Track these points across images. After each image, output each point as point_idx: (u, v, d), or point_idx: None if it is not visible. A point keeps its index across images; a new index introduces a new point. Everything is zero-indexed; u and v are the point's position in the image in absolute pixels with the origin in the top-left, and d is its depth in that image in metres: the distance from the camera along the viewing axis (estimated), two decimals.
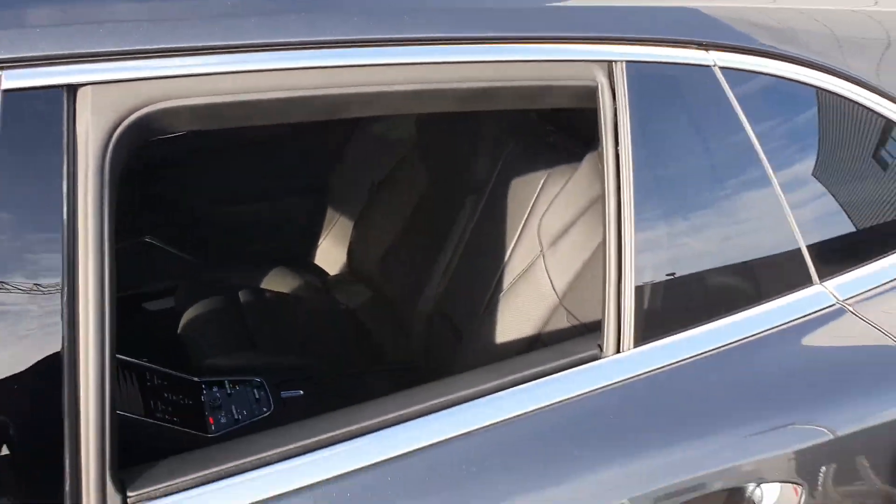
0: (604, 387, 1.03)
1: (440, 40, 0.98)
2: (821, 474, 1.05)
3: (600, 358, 1.05)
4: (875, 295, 1.17)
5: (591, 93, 1.06)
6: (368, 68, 0.96)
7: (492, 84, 1.02)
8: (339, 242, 2.56)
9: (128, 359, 1.60)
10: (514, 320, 1.71)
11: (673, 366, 1.05)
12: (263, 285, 2.39)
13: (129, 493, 0.87)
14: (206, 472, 0.89)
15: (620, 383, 1.03)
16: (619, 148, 1.06)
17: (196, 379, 1.80)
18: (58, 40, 0.85)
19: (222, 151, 2.46)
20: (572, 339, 1.13)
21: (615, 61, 1.06)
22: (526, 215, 1.80)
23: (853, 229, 1.21)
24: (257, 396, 1.79)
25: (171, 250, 2.43)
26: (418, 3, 1.00)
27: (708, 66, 1.12)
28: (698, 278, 1.11)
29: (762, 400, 1.06)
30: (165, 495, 0.88)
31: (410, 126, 2.38)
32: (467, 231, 1.99)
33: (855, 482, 1.09)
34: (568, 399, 1.01)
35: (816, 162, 1.21)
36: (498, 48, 1.01)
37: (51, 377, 0.83)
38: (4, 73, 0.83)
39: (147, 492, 0.87)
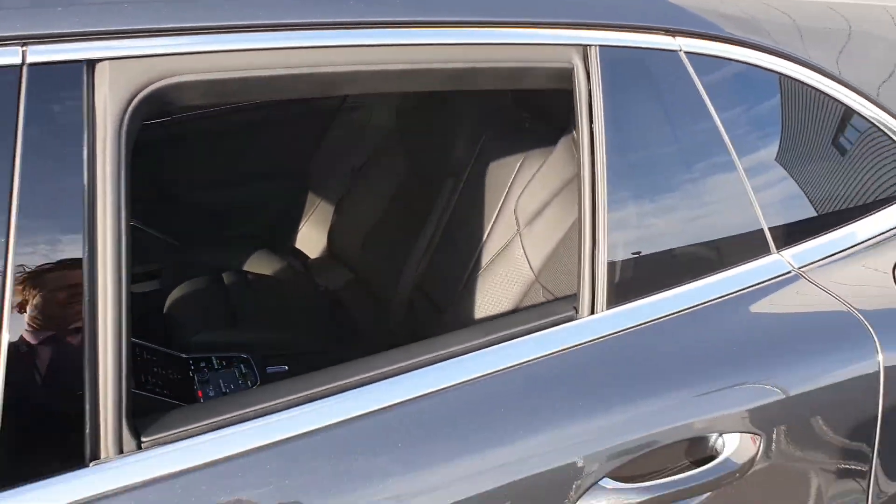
0: (579, 344, 1.11)
1: (428, 23, 1.06)
2: (777, 427, 1.14)
3: (576, 319, 1.14)
4: (828, 263, 1.26)
5: (567, 74, 1.15)
6: (361, 48, 1.04)
7: (475, 65, 1.10)
8: (320, 227, 2.63)
9: None
10: (492, 296, 1.79)
11: (642, 326, 1.14)
12: (246, 268, 2.45)
13: (143, 439, 0.94)
14: (214, 419, 0.97)
15: (595, 341, 1.12)
16: (593, 125, 1.15)
17: (184, 355, 1.87)
18: (79, 18, 0.92)
19: (206, 138, 2.52)
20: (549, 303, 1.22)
21: (589, 45, 1.15)
22: (503, 197, 1.88)
23: (810, 205, 1.31)
24: (244, 371, 1.86)
25: (157, 234, 2.49)
26: None
27: (674, 50, 1.21)
28: (665, 248, 1.20)
29: (722, 358, 1.16)
30: (176, 440, 0.95)
31: (390, 114, 2.45)
32: (446, 213, 2.07)
33: (809, 436, 1.18)
34: (547, 355, 1.09)
35: (776, 143, 1.31)
36: (481, 31, 1.09)
37: (73, 331, 0.90)
38: (30, 48, 0.90)
39: (159, 437, 0.94)
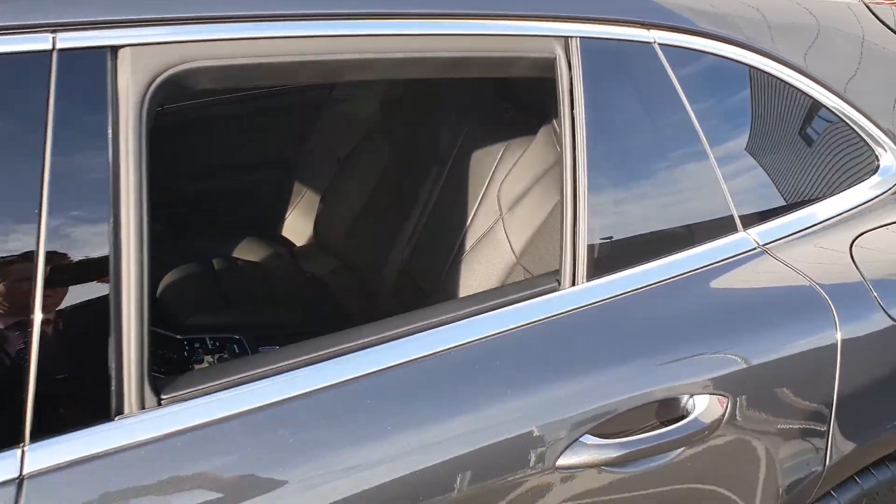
0: (562, 313, 1.20)
1: (425, 15, 1.15)
2: (744, 389, 1.24)
3: (558, 290, 1.23)
4: (791, 241, 1.37)
5: (551, 64, 1.24)
6: (364, 37, 1.12)
7: (467, 54, 1.19)
8: (306, 215, 2.70)
9: None
10: (475, 278, 1.88)
11: (619, 296, 1.24)
12: (235, 254, 2.52)
13: (162, 396, 1.02)
14: (228, 378, 1.05)
15: (576, 310, 1.21)
16: (574, 112, 1.24)
17: (178, 336, 1.94)
18: (103, 7, 0.99)
19: (197, 129, 2.59)
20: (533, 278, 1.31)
21: (570, 37, 1.24)
22: (486, 183, 1.97)
23: (775, 188, 1.41)
24: (237, 351, 1.93)
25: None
26: None
27: (649, 42, 1.30)
28: (640, 226, 1.29)
29: (692, 326, 1.25)
30: (194, 397, 1.03)
31: (375, 106, 2.53)
32: (431, 200, 2.16)
33: (772, 399, 1.28)
34: (532, 322, 1.19)
35: (744, 130, 1.40)
36: (472, 23, 1.18)
37: (98, 298, 0.98)
38: (59, 35, 0.97)
39: (178, 394, 1.02)
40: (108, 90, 0.99)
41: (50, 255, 0.95)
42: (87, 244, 0.98)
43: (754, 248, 1.34)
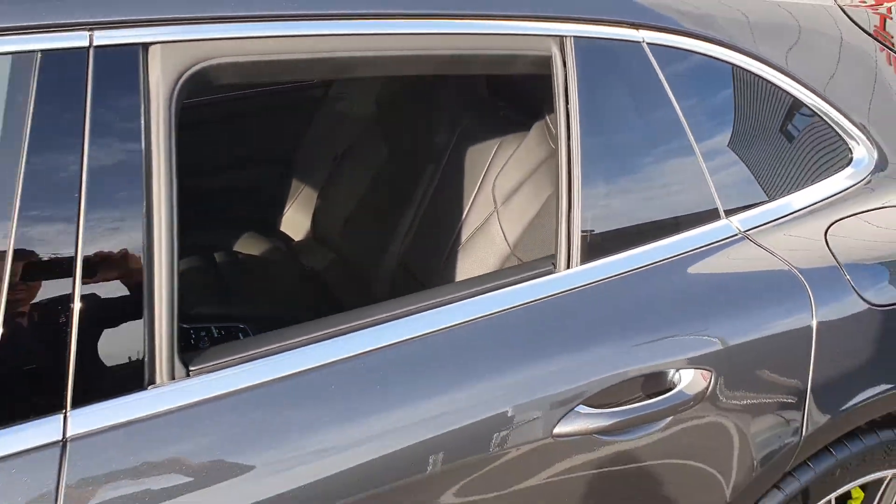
0: (557, 293, 1.29)
1: (429, 15, 1.24)
2: (726, 365, 1.34)
3: (554, 273, 1.32)
4: (770, 227, 1.46)
5: (547, 62, 1.33)
6: (373, 36, 1.21)
7: (468, 52, 1.28)
8: (304, 211, 2.78)
9: None
10: (471, 269, 1.96)
11: (611, 278, 1.33)
12: (235, 248, 2.60)
13: (190, 368, 1.10)
14: (250, 352, 1.13)
15: (570, 291, 1.30)
16: (569, 107, 1.33)
17: (185, 325, 2.02)
18: (135, 7, 1.07)
19: (197, 127, 2.66)
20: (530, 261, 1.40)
21: (565, 36, 1.33)
22: (481, 178, 2.06)
23: (756, 179, 1.50)
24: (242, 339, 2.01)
25: None
26: None
27: (638, 42, 1.39)
28: (630, 214, 1.38)
29: (678, 306, 1.34)
30: (220, 369, 1.11)
31: (371, 105, 2.61)
32: (427, 194, 2.24)
33: (753, 372, 1.37)
34: (530, 302, 1.27)
35: (727, 125, 1.50)
36: (474, 23, 1.27)
37: (132, 275, 1.06)
38: (96, 33, 1.05)
39: (206, 366, 1.10)
40: (140, 84, 1.07)
41: (87, 236, 1.03)
42: (121, 226, 1.06)
43: (736, 235, 1.43)
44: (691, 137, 1.41)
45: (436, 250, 2.10)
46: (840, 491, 1.55)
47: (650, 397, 1.28)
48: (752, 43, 1.54)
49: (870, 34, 1.77)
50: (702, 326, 1.34)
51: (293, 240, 2.78)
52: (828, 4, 1.79)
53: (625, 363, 1.28)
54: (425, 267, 2.13)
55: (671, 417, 1.29)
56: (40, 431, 1.00)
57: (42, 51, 1.02)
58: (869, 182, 1.57)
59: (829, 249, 1.46)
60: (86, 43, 1.04)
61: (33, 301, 1.02)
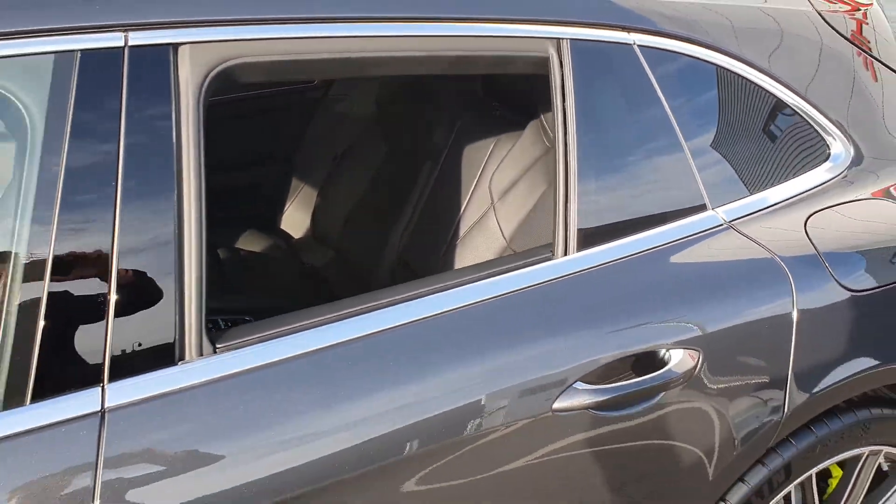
0: (556, 278, 1.38)
1: (437, 18, 1.33)
2: (712, 346, 1.43)
3: (552, 260, 1.41)
4: (753, 218, 1.56)
5: (545, 62, 1.42)
6: (386, 38, 1.29)
7: (473, 53, 1.37)
8: (304, 209, 2.86)
9: None
10: (468, 262, 2.04)
11: (605, 265, 1.42)
12: (237, 245, 2.68)
13: (217, 345, 1.18)
14: (272, 331, 1.22)
15: (568, 276, 1.39)
16: (565, 105, 1.42)
17: None
18: (167, 10, 1.16)
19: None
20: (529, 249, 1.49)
21: (562, 39, 1.42)
22: (478, 175, 2.14)
23: (741, 173, 1.60)
24: None
25: None
26: None
27: (629, 44, 1.49)
28: (622, 205, 1.47)
29: (668, 291, 1.44)
30: (244, 346, 1.19)
31: (370, 106, 2.70)
32: (425, 191, 2.32)
33: (738, 353, 1.47)
34: (530, 286, 1.36)
35: (713, 122, 1.59)
36: (477, 26, 1.36)
37: (164, 259, 1.14)
38: (130, 34, 1.13)
39: (230, 344, 1.19)
40: (171, 81, 1.15)
41: (123, 223, 1.11)
42: (154, 214, 1.14)
43: (722, 225, 1.52)
44: (679, 134, 1.50)
45: (434, 245, 2.18)
46: (820, 467, 1.64)
47: (643, 374, 1.37)
48: (736, 46, 1.63)
49: (847, 39, 1.87)
50: (690, 309, 1.43)
51: (293, 238, 2.86)
52: (807, 10, 1.88)
53: (619, 343, 1.37)
54: (424, 261, 2.21)
55: (662, 394, 1.38)
56: (81, 402, 1.08)
57: (81, 50, 1.11)
58: (846, 176, 1.67)
59: (809, 239, 1.56)
60: (121, 43, 1.13)
61: (73, 284, 1.10)
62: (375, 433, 1.22)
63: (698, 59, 1.57)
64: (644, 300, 1.42)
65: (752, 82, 1.64)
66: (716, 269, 1.50)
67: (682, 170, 1.50)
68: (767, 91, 1.65)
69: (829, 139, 1.68)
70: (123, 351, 1.12)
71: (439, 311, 1.29)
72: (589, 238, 1.42)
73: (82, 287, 1.10)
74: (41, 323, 1.07)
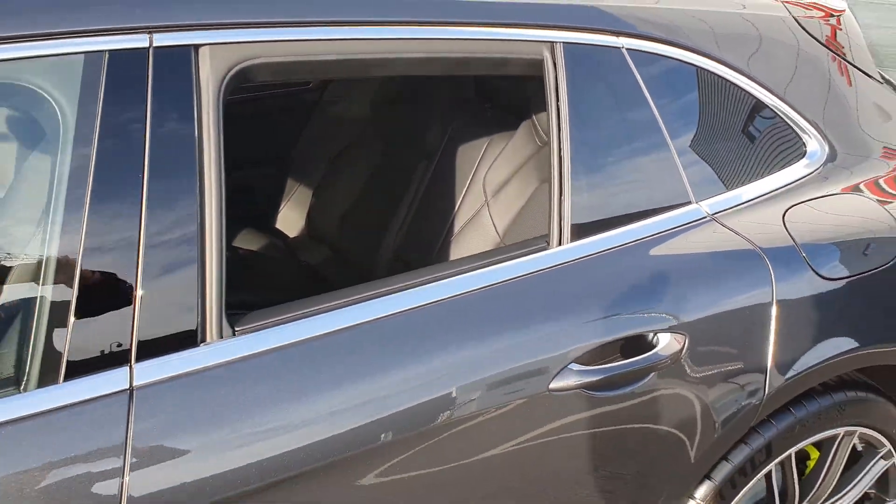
0: (550, 267, 1.47)
1: (438, 22, 1.41)
2: (698, 329, 1.52)
3: (547, 249, 1.49)
4: (734, 211, 1.65)
5: (539, 64, 1.51)
6: (390, 40, 1.38)
7: (472, 55, 1.46)
8: (299, 209, 2.93)
9: None
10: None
11: (597, 254, 1.50)
12: (234, 244, 2.74)
13: (236, 328, 1.26)
14: (284, 316, 1.29)
15: (562, 265, 1.48)
16: (559, 104, 1.51)
17: None
18: (188, 13, 1.24)
19: None
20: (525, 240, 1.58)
21: (555, 42, 1.51)
22: (472, 173, 2.23)
23: (723, 168, 1.69)
24: None
25: None
26: None
27: (618, 47, 1.58)
28: (612, 199, 1.56)
29: (655, 279, 1.53)
30: (261, 329, 1.27)
31: (364, 108, 2.78)
32: (420, 190, 2.40)
33: (721, 337, 1.56)
34: (527, 274, 1.45)
35: (697, 121, 1.69)
36: (476, 30, 1.45)
37: (187, 247, 1.22)
38: (155, 35, 1.21)
39: (249, 326, 1.27)
40: (192, 80, 1.23)
41: (149, 212, 1.19)
42: (178, 204, 1.22)
43: (705, 217, 1.62)
44: (665, 132, 1.60)
45: (430, 241, 2.26)
46: (799, 446, 1.74)
47: (633, 356, 1.46)
48: (717, 49, 1.73)
49: (822, 43, 1.97)
50: (676, 295, 1.52)
51: (288, 236, 2.93)
52: (784, 16, 1.98)
53: (611, 326, 1.46)
54: (420, 257, 2.29)
55: (651, 375, 1.47)
56: (111, 380, 1.16)
57: (109, 51, 1.18)
58: (821, 172, 1.77)
59: (787, 230, 1.65)
60: (146, 44, 1.20)
61: (103, 271, 1.17)
62: (385, 411, 1.30)
63: (683, 61, 1.67)
64: (634, 287, 1.51)
65: (732, 83, 1.74)
66: (700, 258, 1.59)
67: (668, 166, 1.60)
68: (747, 92, 1.75)
69: (805, 137, 1.78)
70: (149, 333, 1.19)
71: (443, 298, 1.37)
72: (581, 229, 1.51)
73: (111, 273, 1.18)
74: (73, 307, 1.14)
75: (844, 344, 1.68)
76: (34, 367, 1.14)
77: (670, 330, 1.50)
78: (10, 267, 1.21)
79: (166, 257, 1.21)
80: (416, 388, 1.31)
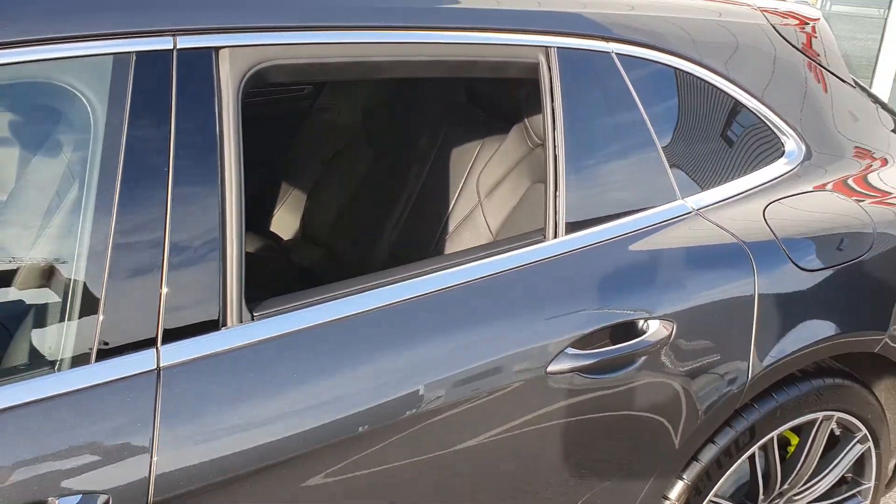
0: (546, 258, 1.56)
1: (441, 28, 1.50)
2: (685, 317, 1.61)
3: (544, 242, 1.58)
4: (718, 206, 1.75)
5: (535, 67, 1.60)
6: (396, 44, 1.46)
7: (472, 58, 1.55)
8: (293, 212, 3.00)
9: None
10: None
11: (589, 247, 1.59)
12: None
13: (255, 313, 1.33)
14: (300, 302, 1.37)
15: (558, 256, 1.57)
16: (554, 104, 1.60)
17: None
18: (210, 17, 1.31)
19: None
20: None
21: (550, 47, 1.60)
22: (465, 175, 2.32)
23: (707, 166, 1.79)
24: None
25: None
26: (430, 4, 1.52)
27: (608, 52, 1.68)
28: (604, 195, 1.66)
29: (643, 270, 1.62)
30: (279, 314, 1.35)
31: (357, 115, 2.86)
32: (414, 192, 2.49)
33: (707, 325, 1.65)
34: (525, 265, 1.54)
35: (682, 121, 1.79)
36: (477, 35, 1.54)
37: (210, 238, 1.29)
38: (179, 38, 1.29)
39: (267, 311, 1.34)
40: (213, 80, 1.31)
41: (175, 203, 1.26)
42: (201, 196, 1.29)
43: (690, 212, 1.72)
44: (652, 131, 1.70)
45: (425, 240, 2.35)
46: (781, 429, 1.83)
47: (624, 341, 1.55)
48: (698, 55, 1.83)
49: (799, 50, 2.08)
50: (664, 285, 1.62)
51: (282, 239, 3.00)
52: (763, 24, 2.09)
53: (604, 314, 1.55)
54: (415, 254, 2.37)
55: (642, 359, 1.56)
56: (139, 361, 1.23)
57: (136, 52, 1.26)
58: (798, 171, 1.88)
59: (767, 225, 1.76)
60: (171, 46, 1.28)
61: (131, 259, 1.24)
62: (394, 393, 1.38)
63: (668, 65, 1.77)
64: (625, 277, 1.60)
65: (714, 86, 1.84)
66: (687, 250, 1.68)
67: (656, 164, 1.69)
68: (729, 95, 1.85)
69: (783, 138, 1.88)
70: (174, 318, 1.26)
71: (451, 285, 1.46)
72: (575, 223, 1.60)
73: (140, 262, 1.25)
74: (104, 293, 1.21)
75: (821, 332, 1.78)
76: (67, 348, 1.21)
77: (659, 317, 1.59)
78: (44, 255, 1.28)
79: (190, 247, 1.28)
80: (427, 370, 1.40)
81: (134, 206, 1.24)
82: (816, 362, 1.87)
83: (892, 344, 1.92)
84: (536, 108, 1.93)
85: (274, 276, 2.69)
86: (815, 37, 2.15)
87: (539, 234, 1.60)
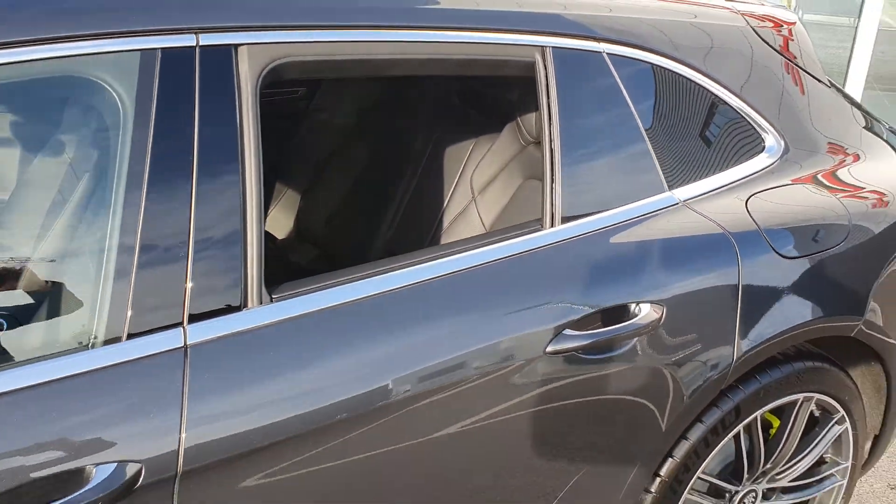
0: (543, 246, 1.65)
1: (444, 27, 1.59)
2: (674, 302, 1.71)
3: (541, 230, 1.68)
4: (703, 198, 1.85)
5: (532, 66, 1.70)
6: (402, 43, 1.55)
7: (474, 57, 1.64)
8: (287, 212, 3.07)
9: None
10: None
11: (583, 235, 1.69)
12: None
13: (274, 296, 1.41)
14: (315, 285, 1.45)
15: (554, 244, 1.66)
16: (549, 101, 1.70)
17: None
18: (229, 16, 1.40)
19: None
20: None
21: (545, 46, 1.70)
22: (459, 172, 2.40)
23: (692, 160, 1.89)
24: None
25: None
26: (436, 6, 1.61)
27: (599, 52, 1.78)
28: (596, 187, 1.75)
29: (633, 258, 1.72)
30: (296, 296, 1.43)
31: (351, 116, 2.94)
32: (409, 189, 2.57)
33: (695, 308, 1.75)
34: (525, 252, 1.63)
35: (669, 117, 1.89)
36: (476, 35, 1.63)
37: (232, 225, 1.37)
38: (201, 35, 1.37)
39: (285, 294, 1.42)
40: (233, 76, 1.39)
41: (199, 192, 1.34)
42: (223, 186, 1.37)
43: (677, 203, 1.81)
44: (641, 127, 1.79)
45: (420, 236, 2.43)
46: (764, 409, 1.93)
47: (617, 323, 1.65)
48: (681, 54, 1.93)
49: (777, 51, 2.19)
50: (654, 271, 1.71)
51: (277, 238, 3.07)
52: (742, 26, 2.20)
53: (599, 297, 1.64)
54: (411, 249, 2.45)
55: (635, 340, 1.65)
56: (167, 339, 1.30)
57: (162, 48, 1.34)
58: (777, 164, 1.98)
59: (750, 215, 1.86)
60: (193, 43, 1.36)
61: (159, 244, 1.32)
62: (410, 369, 1.46)
63: (655, 64, 1.87)
64: (617, 264, 1.70)
65: (698, 85, 1.94)
66: (675, 239, 1.78)
67: (645, 158, 1.79)
68: (712, 93, 1.96)
69: (763, 134, 1.99)
70: (200, 299, 1.34)
71: (456, 270, 1.55)
72: (570, 213, 1.69)
73: (166, 247, 1.32)
74: (134, 275, 1.29)
75: (800, 317, 1.89)
76: (100, 327, 1.28)
77: (650, 301, 1.68)
78: (75, 242, 1.35)
79: (214, 234, 1.36)
80: (438, 348, 1.49)
81: (162, 193, 1.32)
82: (796, 346, 1.98)
83: (866, 329, 2.02)
84: (529, 107, 2.02)
85: (268, 275, 2.76)
86: (792, 39, 2.26)
87: (536, 224, 1.69)
